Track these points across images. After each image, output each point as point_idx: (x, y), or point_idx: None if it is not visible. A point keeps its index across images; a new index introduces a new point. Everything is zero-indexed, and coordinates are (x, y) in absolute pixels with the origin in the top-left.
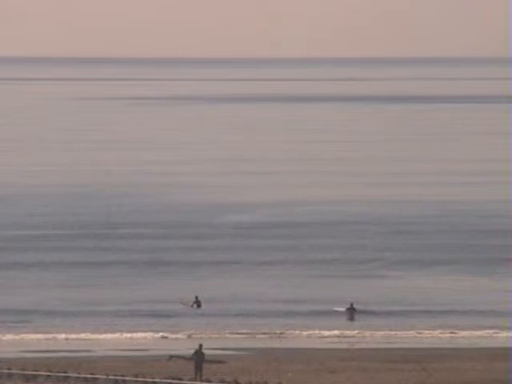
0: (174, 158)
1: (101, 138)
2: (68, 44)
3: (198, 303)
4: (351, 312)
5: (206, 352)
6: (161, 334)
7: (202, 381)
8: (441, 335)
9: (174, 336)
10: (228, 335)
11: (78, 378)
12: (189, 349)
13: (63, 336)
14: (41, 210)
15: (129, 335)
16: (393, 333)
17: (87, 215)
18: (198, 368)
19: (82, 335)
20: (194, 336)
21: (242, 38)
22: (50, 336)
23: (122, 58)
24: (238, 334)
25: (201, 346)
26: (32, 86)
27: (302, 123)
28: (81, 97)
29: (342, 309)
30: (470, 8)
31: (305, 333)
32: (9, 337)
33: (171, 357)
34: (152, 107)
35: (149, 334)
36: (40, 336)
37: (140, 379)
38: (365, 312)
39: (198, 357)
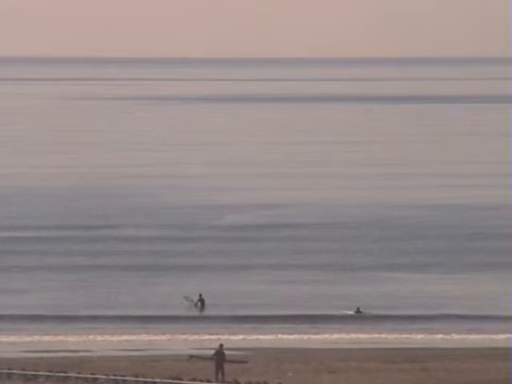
0: (173, 158)
1: (100, 138)
2: (68, 44)
3: (201, 301)
4: (357, 315)
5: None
6: (162, 335)
7: (223, 381)
8: (441, 337)
9: (174, 337)
10: (228, 336)
11: (78, 377)
12: (191, 349)
13: (67, 338)
14: (40, 211)
15: (131, 337)
16: (395, 335)
17: (86, 218)
18: (219, 368)
19: (84, 338)
20: (195, 337)
21: (241, 37)
22: (51, 338)
23: (122, 58)
24: (238, 334)
25: (221, 346)
26: (32, 86)
27: (303, 123)
28: (81, 97)
29: (351, 312)
30: (469, 8)
31: (308, 336)
32: (9, 339)
33: (191, 357)
34: (152, 107)
35: (151, 336)
36: (41, 338)
37: (140, 379)
38: (370, 315)
39: (219, 357)
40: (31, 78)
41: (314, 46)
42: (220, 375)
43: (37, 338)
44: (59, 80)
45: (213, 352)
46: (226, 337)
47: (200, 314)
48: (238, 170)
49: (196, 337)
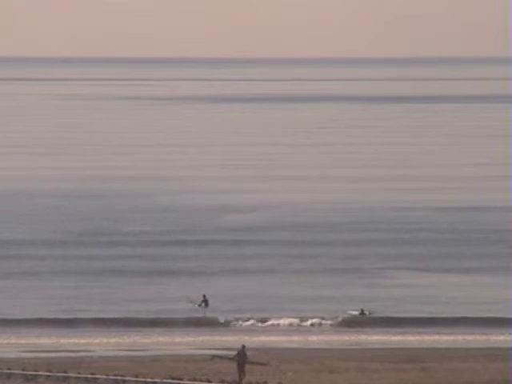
0: (173, 160)
1: (99, 139)
2: (68, 44)
3: (205, 302)
4: (361, 315)
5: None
6: (164, 336)
7: (244, 383)
8: (441, 337)
9: (175, 338)
10: (229, 337)
11: (78, 378)
12: (191, 349)
13: (69, 341)
14: (41, 214)
15: (132, 338)
16: (396, 336)
17: (88, 221)
18: (241, 369)
19: (85, 340)
20: (196, 338)
21: (241, 37)
22: (53, 340)
23: (122, 58)
24: (238, 335)
25: (244, 346)
26: (32, 86)
27: (303, 124)
28: (81, 97)
29: (356, 312)
30: (469, 8)
31: (308, 336)
32: (12, 341)
33: (213, 357)
34: (152, 107)
35: (152, 337)
36: (43, 341)
37: (140, 379)
38: (373, 316)
39: (241, 358)
40: (31, 78)
41: (315, 46)
42: (240, 376)
43: (39, 340)
44: (59, 80)
45: (235, 353)
46: (226, 338)
47: (204, 314)
48: (237, 171)
49: (197, 338)
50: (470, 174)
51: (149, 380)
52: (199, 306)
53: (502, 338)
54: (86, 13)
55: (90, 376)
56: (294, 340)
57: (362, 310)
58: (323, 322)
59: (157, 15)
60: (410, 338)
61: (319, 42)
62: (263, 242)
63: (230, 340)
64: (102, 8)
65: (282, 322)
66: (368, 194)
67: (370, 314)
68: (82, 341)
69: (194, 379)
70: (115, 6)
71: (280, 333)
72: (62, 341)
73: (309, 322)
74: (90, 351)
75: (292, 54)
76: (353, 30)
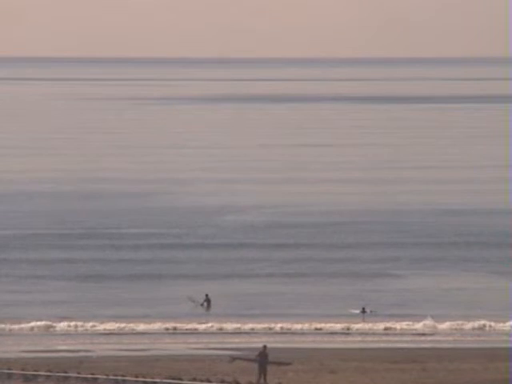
0: (172, 161)
1: (99, 139)
2: (68, 44)
3: (208, 302)
4: (363, 314)
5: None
6: (164, 336)
7: (266, 383)
8: (441, 337)
9: (175, 337)
10: (231, 339)
11: (78, 378)
12: (190, 349)
13: (69, 341)
14: (40, 216)
15: (132, 339)
16: (398, 337)
17: (87, 224)
18: (262, 370)
19: (84, 340)
20: (197, 338)
21: (242, 37)
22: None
23: (121, 58)
24: (239, 334)
25: (265, 347)
26: (32, 86)
27: (302, 124)
28: (81, 97)
29: (357, 311)
30: (469, 8)
31: (309, 336)
32: (9, 341)
33: (234, 358)
34: (152, 107)
35: (153, 337)
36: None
37: (140, 379)
38: (374, 314)
39: (262, 358)
40: (31, 78)
41: (315, 46)
42: (262, 378)
43: (39, 340)
44: (59, 80)
45: (256, 353)
46: (227, 339)
47: (206, 314)
48: (237, 173)
49: (198, 338)
50: (469, 175)
51: (149, 380)
52: (201, 305)
53: (502, 338)
54: (86, 13)
55: (89, 376)
56: (294, 339)
57: (364, 309)
58: (324, 320)
59: (157, 15)
60: (410, 338)
61: (319, 42)
62: (264, 244)
63: (230, 341)
64: (102, 8)
65: (280, 321)
66: (368, 195)
67: (371, 312)
68: (82, 341)
69: (194, 379)
70: (116, 6)
71: (279, 332)
72: (62, 341)
73: (309, 321)
74: (89, 351)
75: (292, 54)
76: (352, 30)
